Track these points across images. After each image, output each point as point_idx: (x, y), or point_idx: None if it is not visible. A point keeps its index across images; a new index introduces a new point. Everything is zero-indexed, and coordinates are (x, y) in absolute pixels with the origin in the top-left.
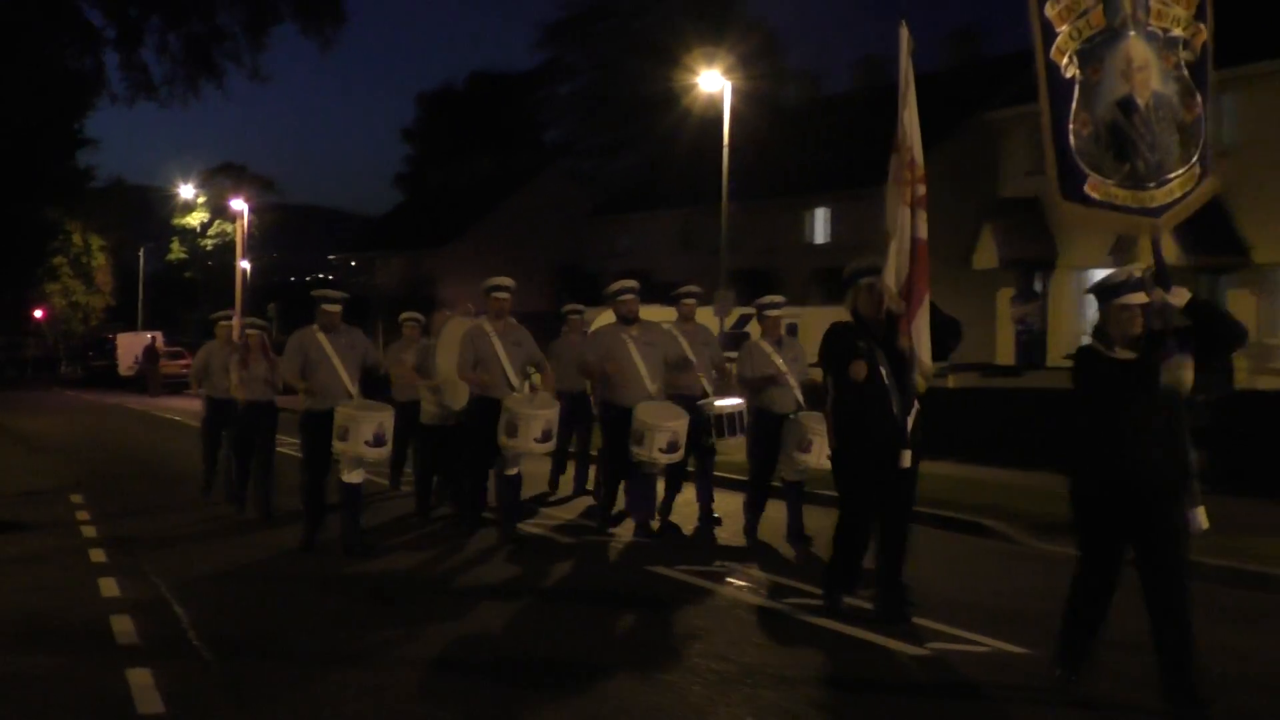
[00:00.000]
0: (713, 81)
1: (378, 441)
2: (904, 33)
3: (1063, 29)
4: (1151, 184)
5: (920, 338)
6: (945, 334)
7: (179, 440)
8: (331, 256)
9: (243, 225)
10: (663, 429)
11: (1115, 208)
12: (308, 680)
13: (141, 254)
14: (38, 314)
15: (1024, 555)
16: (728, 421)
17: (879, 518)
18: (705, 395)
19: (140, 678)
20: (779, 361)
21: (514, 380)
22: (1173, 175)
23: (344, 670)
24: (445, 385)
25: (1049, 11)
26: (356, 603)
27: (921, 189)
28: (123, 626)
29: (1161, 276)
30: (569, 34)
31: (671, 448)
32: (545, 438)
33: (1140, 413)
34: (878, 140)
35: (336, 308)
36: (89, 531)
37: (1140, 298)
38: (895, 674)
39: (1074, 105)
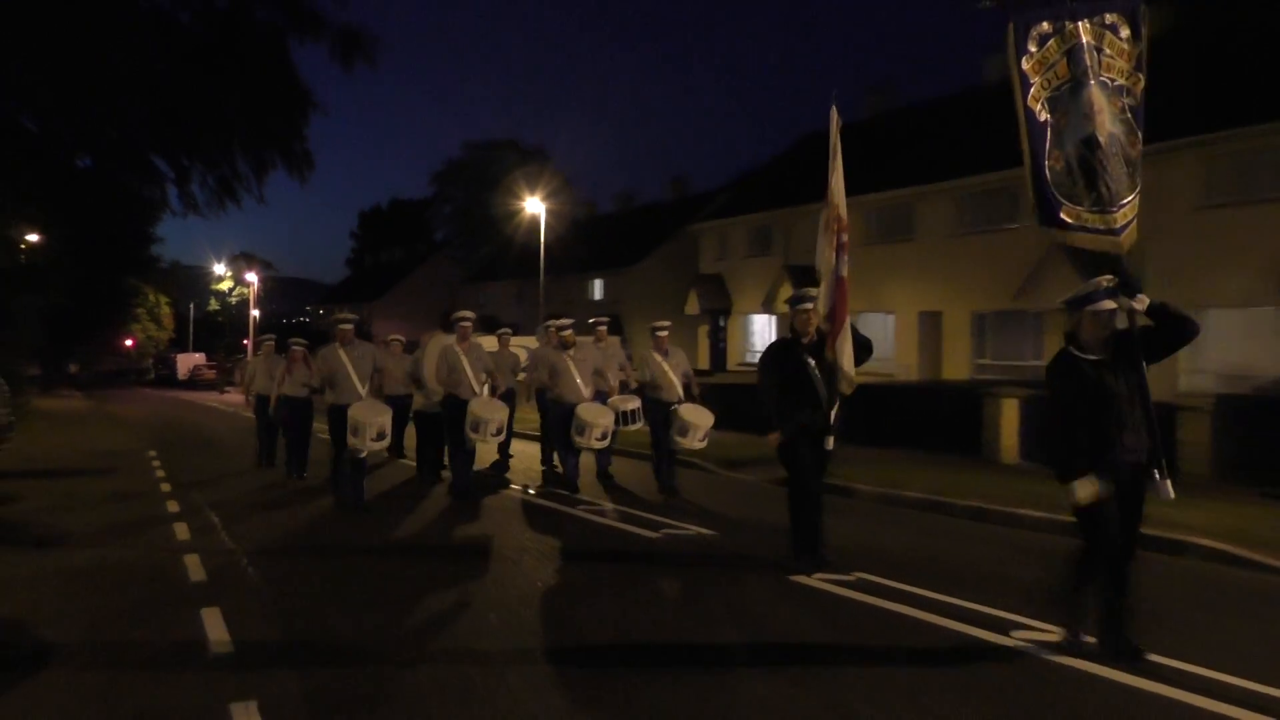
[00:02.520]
0: (534, 204)
1: (380, 437)
2: (834, 113)
3: (1036, 80)
4: (1114, 208)
5: (843, 351)
6: (860, 349)
7: (220, 420)
8: (307, 308)
9: (254, 290)
10: (598, 425)
11: (1086, 229)
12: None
13: (191, 307)
14: (128, 343)
15: (720, 481)
16: (631, 415)
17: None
18: (611, 394)
19: (192, 560)
20: (666, 367)
21: (475, 385)
22: (1125, 201)
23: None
24: (428, 385)
25: (1025, 65)
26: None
27: (845, 236)
28: (182, 532)
29: (1128, 285)
30: (448, 176)
31: (604, 436)
32: (499, 432)
33: (1121, 405)
34: (631, 242)
35: (349, 326)
36: (160, 474)
37: (1110, 304)
38: (644, 549)
39: (1048, 144)
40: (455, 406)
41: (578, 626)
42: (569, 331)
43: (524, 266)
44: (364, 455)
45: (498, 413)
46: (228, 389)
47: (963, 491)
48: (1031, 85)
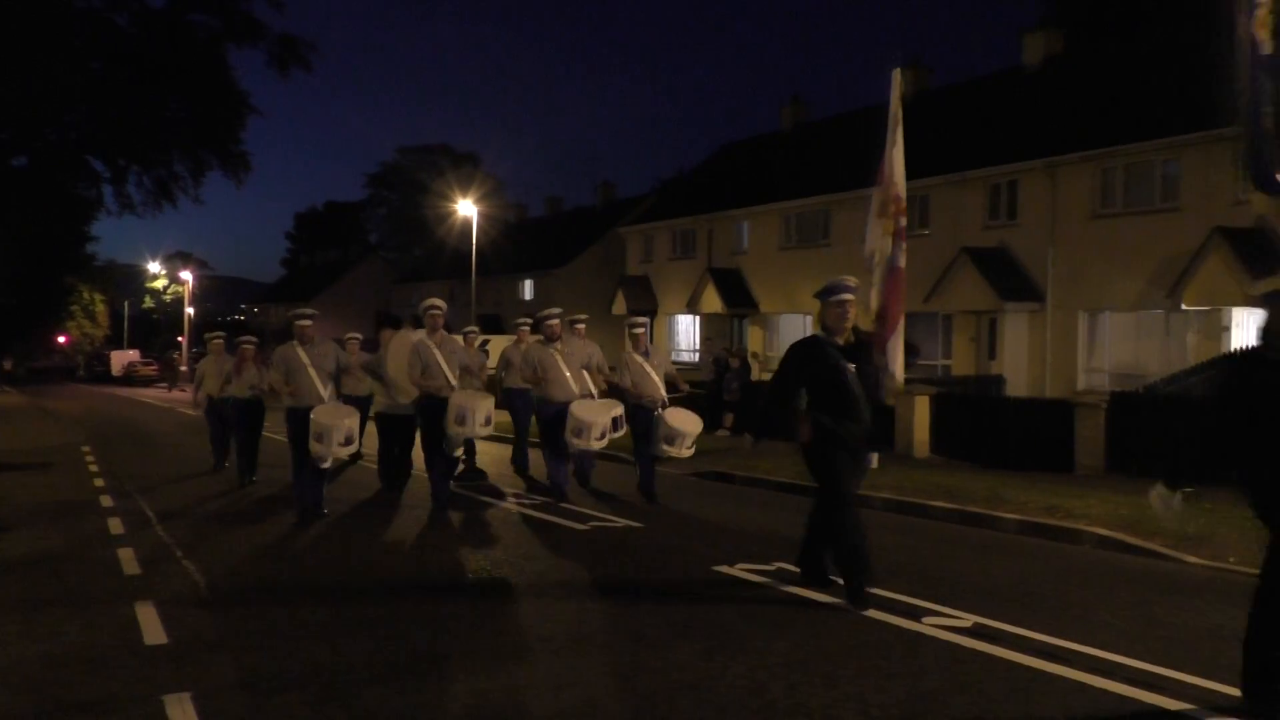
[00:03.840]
0: (466, 207)
1: (348, 441)
2: (896, 77)
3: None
4: None
5: (895, 354)
6: (908, 351)
7: (151, 415)
8: (243, 306)
9: (189, 288)
10: (597, 424)
11: None
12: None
13: (126, 304)
14: (61, 339)
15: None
16: (615, 422)
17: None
18: (590, 394)
19: (126, 554)
20: (648, 369)
21: (453, 380)
22: None
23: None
24: (394, 385)
25: None
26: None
27: (903, 220)
28: (115, 526)
29: None
30: (382, 179)
31: (603, 435)
32: (487, 423)
33: None
34: (561, 244)
35: (308, 322)
36: (93, 468)
37: None
38: (574, 541)
39: (1269, 86)
40: (433, 407)
41: (505, 604)
42: (555, 322)
43: (456, 267)
44: (327, 465)
45: (483, 401)
46: (178, 388)
47: (877, 485)
48: (1258, 6)
